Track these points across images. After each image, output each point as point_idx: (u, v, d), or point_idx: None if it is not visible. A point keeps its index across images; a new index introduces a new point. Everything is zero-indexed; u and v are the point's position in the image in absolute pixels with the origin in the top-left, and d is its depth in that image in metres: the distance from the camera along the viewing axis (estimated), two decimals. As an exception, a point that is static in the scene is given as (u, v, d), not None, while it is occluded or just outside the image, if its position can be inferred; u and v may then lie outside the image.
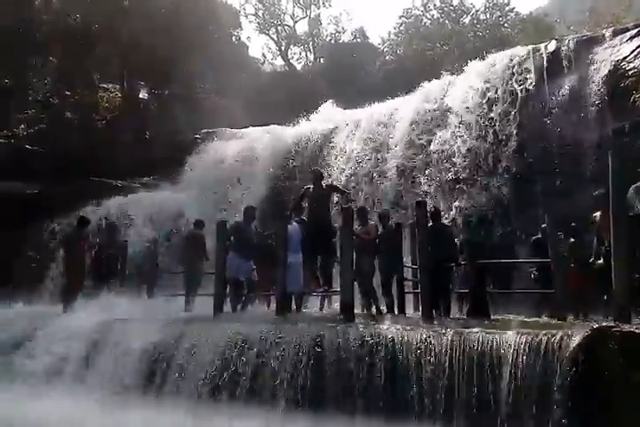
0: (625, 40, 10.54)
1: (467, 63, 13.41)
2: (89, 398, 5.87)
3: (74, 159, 14.70)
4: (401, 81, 22.98)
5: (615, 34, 11.02)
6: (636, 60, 9.78)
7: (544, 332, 4.60)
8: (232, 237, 7.32)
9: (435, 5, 31.88)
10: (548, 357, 4.36)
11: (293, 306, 7.00)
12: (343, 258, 6.10)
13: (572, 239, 7.51)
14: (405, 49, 30.29)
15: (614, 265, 4.59)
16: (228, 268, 7.12)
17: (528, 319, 6.87)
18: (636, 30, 10.59)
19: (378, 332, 5.34)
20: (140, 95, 19.86)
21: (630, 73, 9.73)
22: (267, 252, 7.54)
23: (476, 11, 31.11)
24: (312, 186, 7.15)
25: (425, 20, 32.06)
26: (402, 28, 32.41)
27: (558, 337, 4.42)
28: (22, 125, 17.10)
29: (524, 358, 4.47)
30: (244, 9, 30.55)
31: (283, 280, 6.45)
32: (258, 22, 31.32)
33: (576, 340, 4.25)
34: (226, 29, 24.49)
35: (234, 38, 27.64)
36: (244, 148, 15.16)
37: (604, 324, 4.29)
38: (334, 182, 8.63)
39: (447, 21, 31.23)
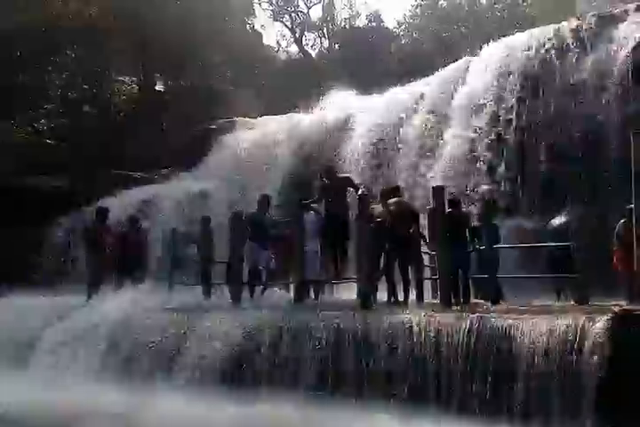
0: (649, 15, 10.14)
1: (485, 45, 13.09)
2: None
3: (94, 152, 14.94)
4: (417, 64, 22.59)
5: (639, 9, 10.60)
6: (662, 37, 9.42)
7: (565, 317, 4.55)
8: (249, 228, 7.39)
9: (451, -15, 31.16)
10: (571, 342, 4.31)
11: (312, 294, 7.07)
12: (360, 246, 6.11)
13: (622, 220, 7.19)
14: (421, 32, 29.72)
15: (636, 246, 4.50)
16: (246, 257, 7.22)
17: (549, 304, 6.78)
18: (660, 5, 10.18)
19: (396, 318, 5.36)
20: (157, 87, 19.96)
21: (655, 49, 9.39)
22: (284, 240, 7.60)
23: (495, -11, 30.31)
24: (327, 181, 7.17)
25: (441, 1, 31.39)
26: (417, 10, 31.74)
27: (581, 322, 4.37)
28: (42, 120, 17.41)
29: (545, 343, 4.43)
30: (258, -3, 30.29)
31: (300, 268, 6.50)
32: (272, 10, 31.06)
33: (599, 324, 4.20)
34: (240, 18, 24.37)
35: (248, 27, 27.48)
36: (262, 136, 15.17)
37: (626, 307, 4.21)
38: (349, 175, 8.62)
39: (464, 2, 30.50)
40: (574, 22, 11.22)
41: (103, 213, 9.27)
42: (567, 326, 4.38)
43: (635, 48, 9.78)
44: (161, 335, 6.38)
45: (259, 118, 16.89)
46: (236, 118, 16.94)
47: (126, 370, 6.41)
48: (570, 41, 10.82)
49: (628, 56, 9.79)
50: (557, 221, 7.69)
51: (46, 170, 14.00)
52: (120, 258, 8.83)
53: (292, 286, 7.23)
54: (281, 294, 7.50)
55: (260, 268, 7.62)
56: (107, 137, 15.95)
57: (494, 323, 4.77)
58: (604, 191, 8.43)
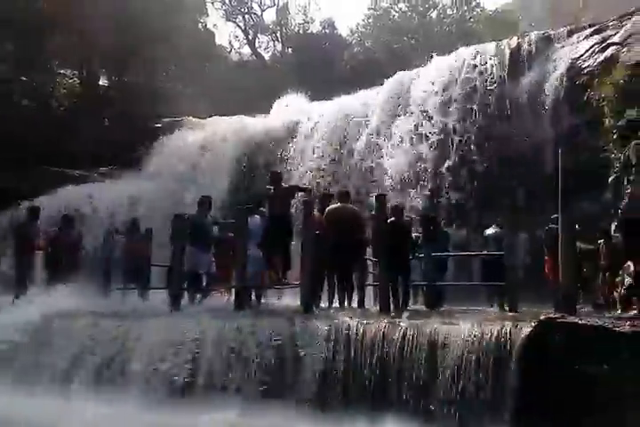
0: (581, 39, 10.85)
1: (432, 58, 13.53)
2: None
3: (31, 148, 14.14)
4: (369, 72, 23.00)
5: (572, 33, 11.33)
6: (591, 59, 10.08)
7: (495, 323, 4.73)
8: (189, 231, 7.18)
9: (403, -2, 32.04)
10: (499, 348, 4.48)
11: (253, 298, 6.98)
12: (304, 251, 6.10)
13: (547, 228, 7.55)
14: (374, 41, 30.35)
15: (561, 256, 4.76)
16: (186, 261, 7.02)
17: (482, 310, 7.05)
18: (591, 30, 10.92)
19: (335, 324, 5.38)
20: (100, 82, 19.16)
21: (585, 71, 10.03)
22: (226, 244, 7.46)
23: (444, 5, 31.43)
24: (273, 188, 7.11)
25: (393, 12, 32.17)
26: (370, 20, 32.42)
27: (508, 328, 4.54)
28: (-23, 112, 16.29)
29: (475, 349, 4.58)
30: (212, -5, 29.87)
31: (242, 273, 6.40)
32: (225, 10, 30.71)
33: (524, 331, 4.38)
34: (191, 16, 23.89)
35: (200, 26, 27.01)
36: (209, 137, 14.92)
37: (550, 315, 4.42)
38: (297, 181, 8.63)
39: (415, 15, 31.42)
40: (515, 41, 11.85)
41: (34, 211, 8.83)
42: (496, 333, 4.55)
43: (568, 69, 10.42)
44: (82, 341, 6.09)
45: (207, 119, 16.59)
46: (182, 118, 16.55)
47: (40, 373, 6.07)
48: (510, 58, 11.38)
49: (562, 76, 10.42)
50: (491, 231, 8.07)
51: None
52: (51, 258, 8.40)
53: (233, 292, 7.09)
54: (222, 300, 7.35)
55: (201, 272, 7.42)
56: (45, 132, 15.11)
57: (427, 329, 4.88)
58: (538, 204, 8.88)
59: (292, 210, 7.31)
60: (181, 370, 5.50)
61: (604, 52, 9.93)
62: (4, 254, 10.52)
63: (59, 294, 7.26)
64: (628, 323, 3.84)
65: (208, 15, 28.11)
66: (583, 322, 4.07)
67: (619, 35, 9.92)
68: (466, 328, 4.65)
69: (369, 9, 32.69)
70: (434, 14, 31.39)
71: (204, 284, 7.63)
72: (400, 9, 32.08)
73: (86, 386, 5.75)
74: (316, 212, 6.79)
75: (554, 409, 3.98)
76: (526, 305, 6.62)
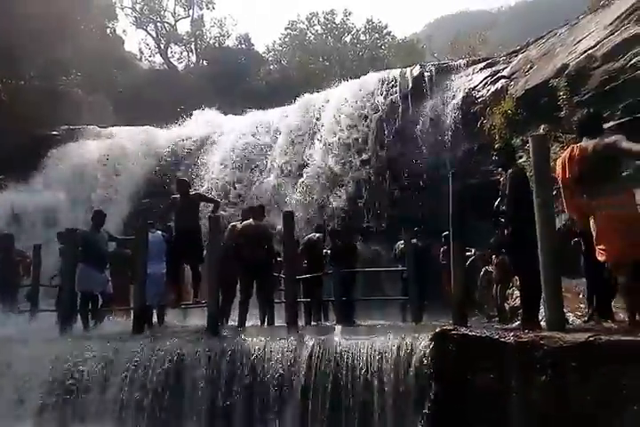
0: (476, 71, 11.84)
1: (344, 80, 14.04)
2: None
3: None
4: (284, 90, 23.32)
5: (469, 64, 12.35)
6: (484, 90, 11.02)
7: (396, 336, 4.87)
8: (80, 247, 6.65)
9: (319, 21, 33.08)
10: (400, 360, 4.61)
11: (154, 320, 6.60)
12: (210, 268, 5.91)
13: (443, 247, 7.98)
14: (290, 60, 30.93)
15: (452, 270, 5.06)
16: (78, 280, 6.47)
17: (390, 324, 7.26)
18: (484, 63, 11.97)
19: (241, 344, 5.24)
20: (-10, 83, 17.43)
21: (479, 100, 10.93)
22: (123, 261, 7.00)
23: (357, 31, 32.93)
24: (179, 195, 6.84)
25: (309, 34, 33.09)
26: (287, 39, 33.06)
27: (408, 341, 4.70)
28: None
29: (378, 362, 4.68)
30: (121, 1, 28.77)
31: (141, 292, 6.04)
32: (135, 16, 29.66)
33: (422, 343, 4.56)
34: (99, 20, 22.74)
35: (108, 30, 25.81)
36: (112, 148, 14.09)
37: (444, 327, 4.64)
38: (202, 191, 8.41)
39: (330, 38, 32.56)
40: (418, 69, 12.66)
41: None
42: (397, 345, 4.69)
43: (464, 98, 11.30)
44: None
45: (110, 128, 15.68)
46: (83, 126, 15.49)
47: None
48: (412, 86, 12.12)
49: (458, 104, 11.26)
50: (400, 246, 8.41)
51: None
52: None
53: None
54: (118, 322, 6.85)
55: (95, 293, 6.86)
56: None
57: (334, 344, 4.91)
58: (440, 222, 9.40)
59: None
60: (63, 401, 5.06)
61: (495, 84, 10.89)
62: None
63: None
64: (512, 333, 4.11)
65: (117, 20, 27.03)
66: (472, 333, 4.30)
67: (507, 69, 10.94)
68: (369, 342, 4.74)
69: (286, 28, 33.36)
70: (348, 39, 32.76)
71: (100, 305, 7.07)
72: (316, 31, 33.10)
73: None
74: (238, 224, 6.65)
75: (450, 418, 4.14)
76: (436, 319, 6.94)
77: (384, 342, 4.81)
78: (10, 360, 5.48)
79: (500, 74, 10.98)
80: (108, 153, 13.83)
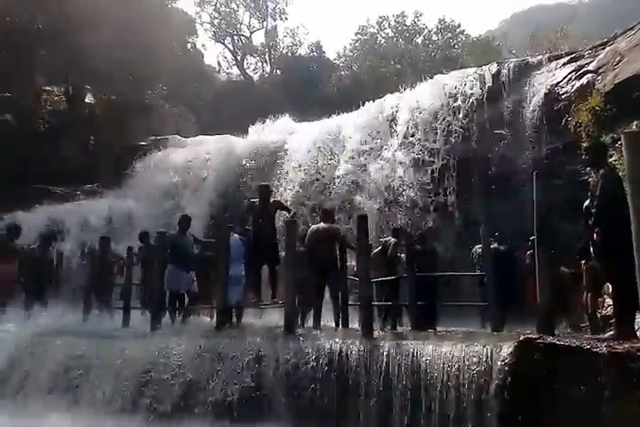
0: (559, 66, 11.21)
1: (418, 82, 13.88)
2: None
3: (14, 165, 13.98)
4: (356, 96, 23.41)
5: (550, 60, 11.71)
6: (568, 86, 10.40)
7: (477, 343, 4.73)
8: (169, 250, 7.13)
9: (389, 24, 32.94)
10: (480, 368, 4.47)
11: (234, 319, 6.89)
12: (288, 270, 6.08)
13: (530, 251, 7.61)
14: (360, 65, 31.04)
15: (538, 278, 4.82)
16: (167, 280, 6.94)
17: (468, 331, 7.03)
18: (568, 57, 11.30)
19: (317, 344, 5.34)
20: (86, 99, 19.15)
21: (563, 97, 10.34)
22: (207, 263, 7.39)
23: (429, 31, 32.38)
24: (259, 200, 7.10)
25: (380, 37, 33.03)
26: (357, 44, 33.23)
27: (489, 349, 4.55)
28: (-43, 127, 16.13)
29: (456, 370, 4.57)
30: (200, 17, 30.42)
31: (223, 292, 6.34)
32: (213, 31, 31.23)
33: (505, 352, 4.39)
34: (180, 36, 24.20)
35: (189, 45, 27.38)
36: (194, 156, 14.95)
37: (529, 335, 4.44)
38: (281, 199, 8.70)
39: (401, 40, 32.30)
40: (495, 67, 12.21)
41: (14, 229, 8.67)
42: (478, 354, 4.55)
43: (546, 94, 10.74)
44: (65, 363, 5.93)
45: (192, 138, 16.63)
46: (168, 136, 16.57)
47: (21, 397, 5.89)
48: (490, 84, 11.70)
49: (540, 101, 10.72)
50: (478, 249, 8.13)
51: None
52: (29, 277, 8.21)
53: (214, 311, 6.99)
54: (203, 320, 7.23)
55: (182, 292, 7.33)
56: (29, 149, 14.98)
57: (409, 350, 4.86)
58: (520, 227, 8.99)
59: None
60: (164, 390, 5.40)
61: (580, 79, 10.26)
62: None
63: (37, 315, 7.13)
64: (605, 344, 3.86)
65: (197, 36, 28.59)
66: (561, 343, 4.09)
67: (593, 63, 10.27)
68: (447, 349, 4.64)
69: (356, 34, 33.54)
70: (419, 40, 32.32)
71: (186, 303, 7.53)
72: (387, 34, 32.98)
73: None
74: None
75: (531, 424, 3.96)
76: (518, 326, 6.65)
77: (462, 349, 4.69)
78: (106, 354, 5.95)
79: (585, 68, 10.32)
80: (191, 161, 14.70)
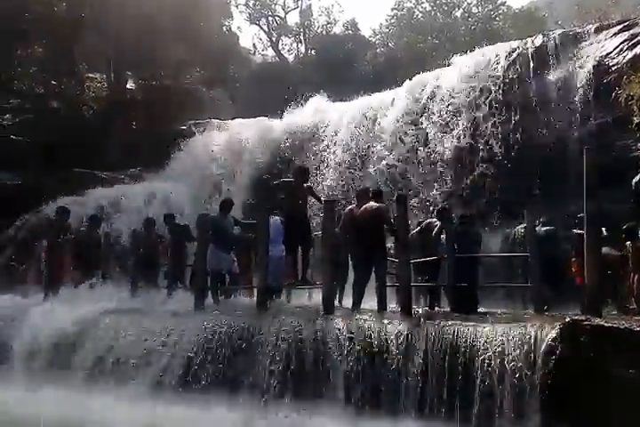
0: (609, 36, 10.57)
1: (456, 56, 13.41)
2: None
3: (60, 150, 14.54)
4: (392, 73, 22.93)
5: (599, 30, 11.04)
6: (619, 57, 9.81)
7: (520, 325, 4.67)
8: (210, 231, 7.33)
9: (427, -2, 31.79)
10: (524, 350, 4.42)
11: (275, 298, 7.05)
12: (324, 251, 6.13)
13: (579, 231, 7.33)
14: (397, 41, 30.21)
15: (586, 259, 4.67)
16: (209, 261, 7.14)
17: (511, 312, 6.91)
18: (619, 27, 10.63)
19: (356, 324, 5.40)
20: (128, 85, 19.57)
21: (613, 69, 9.77)
22: (248, 244, 7.55)
23: (469, 4, 31.07)
24: (294, 181, 7.12)
25: (417, 12, 31.96)
26: (393, 20, 32.29)
27: (533, 331, 4.48)
28: (7, 115, 16.85)
29: (499, 351, 4.53)
30: (235, -1, 30.26)
31: (264, 273, 6.47)
32: (248, 12, 31.05)
33: (550, 334, 4.32)
34: (215, 19, 24.19)
35: (224, 28, 27.36)
36: (232, 139, 15.09)
37: (575, 317, 4.35)
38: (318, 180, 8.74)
39: (439, 14, 31.17)
40: (540, 39, 11.63)
41: (64, 212, 9.11)
42: (521, 335, 4.49)
43: (595, 66, 10.18)
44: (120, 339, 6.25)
45: (231, 121, 16.75)
46: (208, 120, 16.76)
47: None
48: (535, 57, 11.17)
49: (589, 74, 10.18)
50: (520, 230, 7.91)
51: (9, 166, 13.58)
52: (79, 257, 8.63)
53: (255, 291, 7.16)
54: (244, 300, 7.43)
55: (223, 272, 7.54)
56: (73, 134, 15.53)
57: (451, 330, 4.85)
58: (562, 203, 8.68)
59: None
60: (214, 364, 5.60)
61: (633, 49, 9.65)
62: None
63: (87, 295, 7.49)
64: (657, 326, 3.74)
65: (232, 18, 28.50)
66: (609, 324, 3.99)
67: (649, 31, 9.65)
68: (490, 330, 4.60)
69: (392, 9, 32.59)
70: (458, 13, 31.09)
71: (227, 283, 7.75)
72: (424, 8, 31.87)
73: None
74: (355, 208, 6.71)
75: (584, 412, 3.90)
76: (560, 307, 6.49)
77: (506, 330, 4.64)
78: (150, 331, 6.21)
79: (638, 38, 9.68)
80: (229, 144, 14.87)
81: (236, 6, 30.16)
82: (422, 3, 31.91)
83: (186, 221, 9.20)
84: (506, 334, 4.58)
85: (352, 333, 5.30)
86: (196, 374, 5.60)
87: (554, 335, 4.25)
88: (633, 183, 4.57)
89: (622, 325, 3.97)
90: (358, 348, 5.17)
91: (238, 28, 30.98)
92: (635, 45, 9.72)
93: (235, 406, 5.24)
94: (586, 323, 4.16)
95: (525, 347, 4.41)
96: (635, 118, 8.57)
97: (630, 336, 3.81)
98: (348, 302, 6.81)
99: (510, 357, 4.47)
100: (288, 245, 6.90)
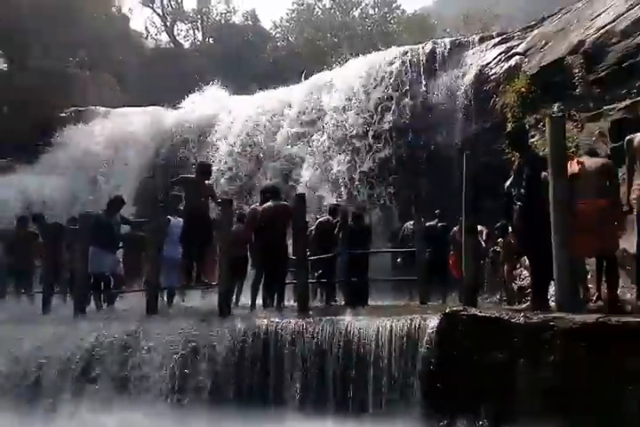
0: (489, 47, 11.54)
1: (354, 56, 13.79)
2: None
3: None
4: (291, 67, 22.98)
5: (481, 40, 12.02)
6: (497, 67, 10.75)
7: (404, 317, 4.92)
8: (93, 230, 6.78)
9: (327, -5, 32.28)
10: (409, 341, 4.66)
11: (167, 301, 6.74)
12: (222, 251, 5.98)
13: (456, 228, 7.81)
14: (297, 36, 30.37)
15: (464, 251, 5.06)
16: (90, 262, 6.61)
17: (400, 305, 7.31)
18: (498, 39, 11.63)
19: (252, 324, 5.35)
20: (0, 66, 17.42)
21: (492, 78, 10.69)
22: (136, 244, 7.12)
23: (366, 4, 32.09)
24: (195, 177, 6.84)
25: (317, 9, 32.36)
26: (294, 15, 32.36)
27: (417, 322, 4.75)
28: None
29: (387, 343, 4.75)
30: (126, -22, 28.29)
31: (156, 275, 6.15)
32: (141, -6, 29.16)
33: (431, 324, 4.61)
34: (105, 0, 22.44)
35: (114, 9, 25.49)
36: (119, 129, 14.06)
37: (454, 308, 4.68)
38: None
39: (338, 13, 31.83)
40: (430, 45, 12.38)
41: None
42: (407, 326, 4.74)
43: (476, 75, 11.06)
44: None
45: (118, 109, 15.58)
46: (90, 107, 15.43)
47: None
48: (425, 62, 11.87)
49: (471, 81, 11.03)
50: (409, 226, 8.37)
51: None
52: None
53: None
54: (131, 303, 7.00)
55: (107, 274, 7.03)
56: None
57: (343, 325, 4.99)
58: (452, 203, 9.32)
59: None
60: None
61: (508, 60, 10.61)
62: None
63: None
64: (522, 314, 4.15)
65: (123, -1, 26.63)
66: (482, 314, 4.35)
67: (522, 45, 10.64)
68: (378, 322, 4.81)
69: (293, 3, 32.65)
70: (356, 13, 31.99)
71: (112, 285, 7.23)
72: (324, 5, 32.35)
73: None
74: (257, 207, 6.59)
75: (461, 398, 4.21)
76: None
77: (392, 322, 4.87)
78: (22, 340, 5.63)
79: (514, 50, 10.67)
80: (115, 134, 13.83)
81: (127, -14, 28.22)
82: (322, 0, 32.39)
83: (60, 219, 8.41)
84: (392, 326, 4.81)
85: (247, 332, 5.24)
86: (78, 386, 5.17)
87: (434, 325, 4.55)
88: (505, 186, 5.03)
89: (494, 314, 4.35)
90: (254, 347, 5.12)
91: (130, 9, 28.79)
92: (510, 57, 10.69)
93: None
94: (462, 313, 4.49)
95: (410, 337, 4.67)
96: (508, 125, 9.46)
97: (498, 323, 4.19)
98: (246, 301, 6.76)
99: (396, 347, 4.70)
100: (186, 245, 6.62)
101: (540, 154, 5.09)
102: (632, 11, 8.43)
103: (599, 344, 3.65)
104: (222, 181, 11.49)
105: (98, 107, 15.48)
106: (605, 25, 8.69)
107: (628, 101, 7.78)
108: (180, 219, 6.85)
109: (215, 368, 5.15)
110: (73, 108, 15.28)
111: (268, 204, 6.54)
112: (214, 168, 9.97)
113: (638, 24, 8.14)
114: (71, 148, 13.31)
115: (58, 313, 6.33)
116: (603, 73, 8.44)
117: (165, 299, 6.80)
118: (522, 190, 4.76)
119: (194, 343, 5.29)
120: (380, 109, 11.52)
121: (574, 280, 4.40)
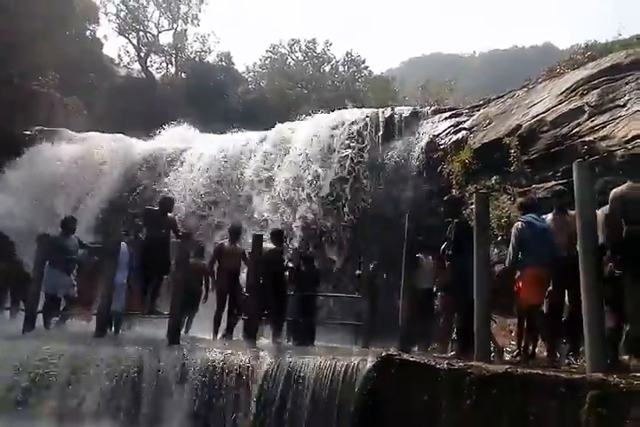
0: (441, 119, 12.84)
1: (320, 110, 14.78)
2: None
3: None
4: (260, 112, 23.92)
5: (435, 112, 13.37)
6: (446, 138, 11.96)
7: (346, 358, 5.36)
8: (49, 251, 6.92)
9: (300, 48, 34.09)
10: (345, 381, 5.08)
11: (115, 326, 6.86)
12: (175, 281, 6.28)
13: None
14: (268, 82, 31.65)
15: (402, 302, 5.67)
16: (44, 282, 6.71)
17: (341, 347, 7.69)
18: (449, 113, 12.99)
19: (199, 355, 5.59)
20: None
21: (441, 147, 11.86)
22: (90, 268, 7.27)
23: (337, 62, 34.11)
24: (159, 210, 7.22)
25: (290, 59, 34.05)
26: (267, 62, 33.87)
27: (355, 363, 5.20)
28: None
29: (324, 382, 5.14)
30: (105, 6, 28.91)
31: (108, 298, 6.32)
32: (118, 23, 29.78)
33: (367, 366, 5.08)
34: (80, 22, 22.77)
35: (88, 33, 25.85)
36: (85, 154, 14.12)
37: (389, 352, 5.18)
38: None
39: (310, 66, 33.61)
40: (389, 111, 13.59)
41: None
42: (346, 366, 5.17)
43: (428, 143, 12.23)
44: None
45: (85, 133, 15.66)
46: (57, 129, 15.41)
47: None
48: (383, 126, 13.00)
49: (423, 149, 12.17)
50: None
51: None
52: None
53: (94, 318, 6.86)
54: (80, 325, 7.05)
55: (59, 296, 7.09)
56: None
57: (288, 361, 5.35)
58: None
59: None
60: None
61: (456, 134, 11.84)
62: None
63: None
64: (446, 361, 4.72)
65: (99, 24, 27.09)
66: (413, 359, 4.89)
67: (468, 122, 11.93)
68: (324, 362, 5.21)
69: (267, 51, 34.21)
70: (327, 68, 33.89)
71: (63, 307, 7.27)
72: (297, 57, 34.09)
73: None
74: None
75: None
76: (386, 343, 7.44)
77: (333, 362, 5.29)
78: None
79: (461, 125, 11.92)
80: (80, 159, 13.85)
81: (106, 14, 28.80)
82: (296, 51, 34.16)
83: (20, 238, 8.41)
84: (333, 366, 5.23)
85: (194, 362, 5.47)
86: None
87: (370, 367, 5.01)
88: (440, 249, 5.79)
89: (422, 359, 4.89)
90: (199, 378, 5.35)
91: (104, 36, 29.20)
92: (458, 131, 11.93)
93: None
94: (396, 357, 5.01)
95: (348, 377, 5.10)
96: (453, 190, 10.47)
97: (427, 369, 4.73)
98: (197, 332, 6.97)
99: (335, 385, 5.11)
100: (142, 274, 6.87)
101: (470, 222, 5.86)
102: (561, 105, 9.82)
103: (506, 391, 4.23)
104: (184, 215, 11.75)
105: (65, 129, 15.49)
106: (539, 114, 10.01)
107: (553, 182, 8.91)
108: (124, 243, 7.10)
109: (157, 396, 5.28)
110: (39, 128, 15.19)
111: (226, 244, 7.09)
112: (177, 203, 10.37)
113: (565, 117, 9.45)
114: (35, 167, 13.17)
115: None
116: (534, 156, 9.64)
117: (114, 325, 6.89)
118: (451, 253, 5.51)
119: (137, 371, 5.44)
120: (338, 166, 12.37)
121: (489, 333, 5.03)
